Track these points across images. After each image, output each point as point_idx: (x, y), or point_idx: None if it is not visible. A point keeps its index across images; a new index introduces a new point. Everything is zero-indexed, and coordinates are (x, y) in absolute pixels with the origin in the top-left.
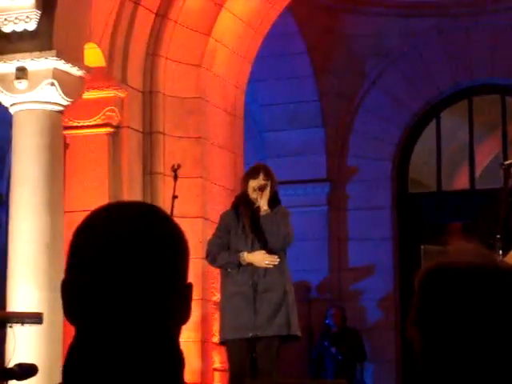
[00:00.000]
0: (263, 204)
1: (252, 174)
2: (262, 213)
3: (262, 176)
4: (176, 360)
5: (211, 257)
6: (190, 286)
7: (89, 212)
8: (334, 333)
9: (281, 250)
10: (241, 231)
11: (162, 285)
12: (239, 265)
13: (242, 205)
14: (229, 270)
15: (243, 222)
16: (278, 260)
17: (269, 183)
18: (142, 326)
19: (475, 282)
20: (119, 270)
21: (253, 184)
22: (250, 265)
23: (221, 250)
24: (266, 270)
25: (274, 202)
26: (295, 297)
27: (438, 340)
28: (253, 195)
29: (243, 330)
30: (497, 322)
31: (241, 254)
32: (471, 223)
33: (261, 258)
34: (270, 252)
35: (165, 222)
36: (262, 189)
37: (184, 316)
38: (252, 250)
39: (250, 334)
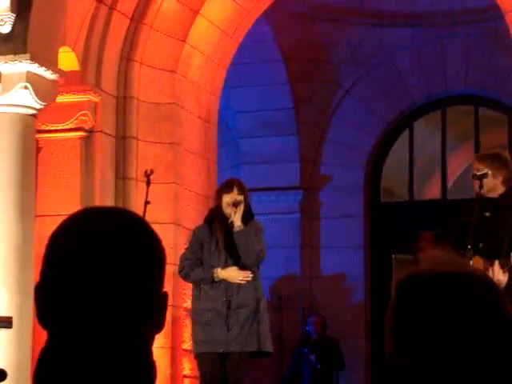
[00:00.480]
0: (237, 219)
1: (226, 188)
2: (236, 229)
3: (235, 191)
4: (148, 368)
5: (184, 272)
6: (165, 294)
7: (60, 216)
8: (314, 340)
9: (254, 265)
10: (214, 247)
11: (137, 292)
12: (213, 281)
13: (216, 220)
14: (202, 285)
15: (217, 238)
16: (252, 276)
17: (242, 198)
18: (114, 333)
19: (449, 289)
20: (93, 275)
21: (226, 199)
22: (224, 281)
23: (194, 266)
24: (239, 286)
25: (247, 216)
26: (267, 305)
27: (412, 349)
28: (226, 210)
29: (215, 344)
30: (474, 328)
31: (214, 270)
32: (441, 232)
33: (234, 275)
34: (243, 268)
35: (142, 229)
36: (236, 204)
37: (158, 324)
38: (225, 265)
39: (222, 350)
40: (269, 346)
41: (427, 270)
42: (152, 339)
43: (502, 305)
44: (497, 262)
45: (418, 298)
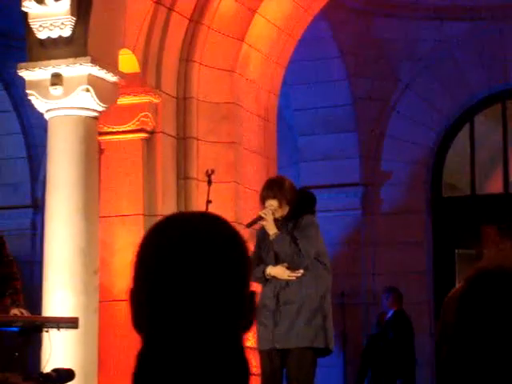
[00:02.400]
0: (268, 230)
1: (261, 196)
2: (271, 237)
3: (269, 198)
4: (242, 367)
5: None
6: (253, 293)
7: (123, 216)
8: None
9: (299, 266)
10: (267, 246)
11: (229, 293)
12: (266, 279)
13: None
14: (260, 283)
15: (269, 244)
16: (300, 273)
17: (275, 202)
18: (209, 335)
19: None
20: (187, 278)
21: (266, 204)
22: (275, 278)
23: (255, 266)
24: (286, 283)
25: (296, 211)
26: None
27: (480, 348)
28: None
29: (266, 341)
30: None
31: (265, 269)
32: (506, 226)
33: (281, 272)
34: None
35: (228, 230)
36: (260, 218)
37: (248, 323)
38: (276, 263)
39: (270, 346)
40: (320, 343)
41: (496, 267)
42: (242, 338)
43: None
44: None
45: (486, 295)
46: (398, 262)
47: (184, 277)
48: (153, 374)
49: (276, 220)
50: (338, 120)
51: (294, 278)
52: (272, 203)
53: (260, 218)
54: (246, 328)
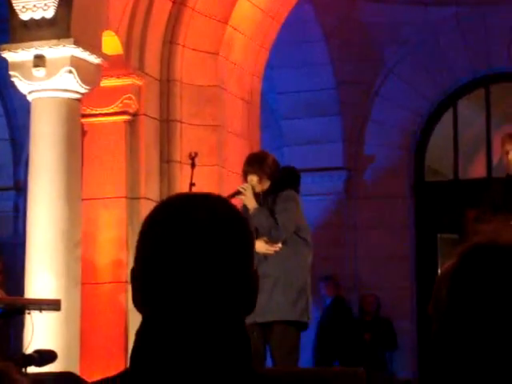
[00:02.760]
0: (247, 204)
1: (242, 171)
2: (250, 211)
3: (249, 174)
4: (244, 345)
5: None
6: (256, 271)
7: (106, 199)
8: (367, 320)
9: (276, 240)
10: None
11: (232, 272)
12: None
13: None
14: None
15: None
16: (279, 247)
17: (255, 176)
18: (211, 314)
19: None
20: (191, 258)
21: (248, 179)
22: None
23: None
24: (265, 256)
25: (276, 186)
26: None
27: (467, 320)
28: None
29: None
30: None
31: None
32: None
33: (260, 246)
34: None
35: (231, 210)
36: (238, 193)
37: (251, 302)
38: (256, 238)
39: (249, 321)
40: (296, 316)
41: (490, 242)
42: (244, 317)
43: None
44: None
45: (478, 270)
46: (380, 246)
47: (187, 256)
48: (151, 352)
49: (257, 195)
50: (322, 104)
51: (273, 252)
52: (252, 178)
53: (239, 193)
54: (250, 307)
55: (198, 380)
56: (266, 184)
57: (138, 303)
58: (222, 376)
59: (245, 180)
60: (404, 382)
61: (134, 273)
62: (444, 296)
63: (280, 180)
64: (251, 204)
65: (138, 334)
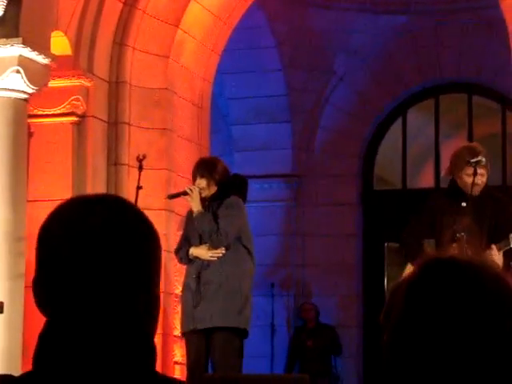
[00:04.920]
0: (193, 207)
1: (192, 175)
2: (194, 214)
3: (198, 177)
4: (145, 348)
5: (174, 252)
6: (158, 278)
7: (52, 201)
8: (310, 327)
9: (217, 245)
10: (193, 228)
11: (133, 277)
12: (189, 259)
13: None
14: (185, 264)
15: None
16: (221, 253)
17: (203, 180)
18: (112, 318)
19: (467, 276)
20: (90, 264)
21: (195, 183)
22: (197, 258)
23: (182, 246)
24: (208, 263)
25: (223, 192)
26: (255, 291)
27: (420, 334)
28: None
29: (188, 322)
30: (487, 318)
31: (189, 249)
32: (411, 221)
33: (203, 252)
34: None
35: (137, 216)
36: (184, 194)
37: (153, 307)
38: (200, 244)
39: (191, 327)
40: (239, 323)
41: (449, 257)
42: (154, 324)
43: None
44: (494, 246)
45: (434, 284)
46: (328, 253)
47: (84, 263)
48: (53, 356)
49: (203, 200)
50: (272, 110)
51: (215, 258)
52: (200, 182)
53: (185, 193)
54: (152, 311)
55: (97, 381)
56: (213, 189)
57: (41, 306)
58: (120, 377)
59: (193, 183)
60: None
61: (36, 278)
62: (399, 306)
63: (227, 186)
64: (196, 207)
65: (41, 335)
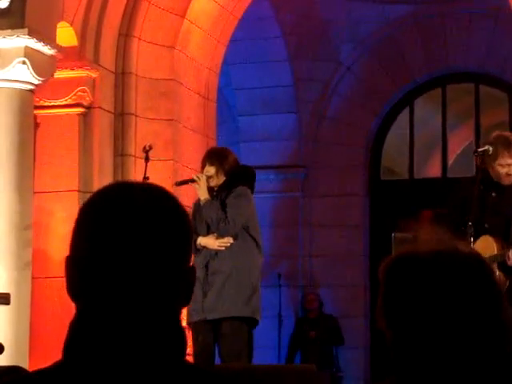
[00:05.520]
0: (200, 195)
1: (201, 164)
2: (201, 202)
3: (207, 164)
4: (178, 338)
5: None
6: (193, 267)
7: (59, 192)
8: (312, 318)
9: (224, 234)
10: (200, 217)
11: (166, 264)
12: (196, 249)
13: None
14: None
15: (200, 211)
16: (230, 243)
17: (212, 169)
18: (145, 307)
19: (436, 268)
20: (125, 247)
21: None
22: (205, 248)
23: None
24: (216, 252)
25: (231, 182)
26: (262, 282)
27: (404, 328)
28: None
29: (196, 313)
30: (459, 306)
31: (197, 238)
32: (441, 211)
33: (211, 242)
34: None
35: (171, 202)
36: (192, 181)
37: (186, 297)
38: (208, 234)
39: (199, 318)
40: (249, 313)
41: (415, 251)
42: (180, 311)
43: (491, 284)
44: None
45: (406, 279)
46: (335, 244)
47: (122, 246)
48: (84, 343)
49: (210, 189)
50: (279, 101)
51: (224, 247)
52: (208, 169)
53: (193, 180)
54: (185, 301)
55: (131, 371)
56: (222, 179)
57: (73, 293)
58: (153, 368)
59: (201, 172)
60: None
61: (70, 260)
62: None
63: (235, 176)
64: (203, 195)
65: (72, 324)
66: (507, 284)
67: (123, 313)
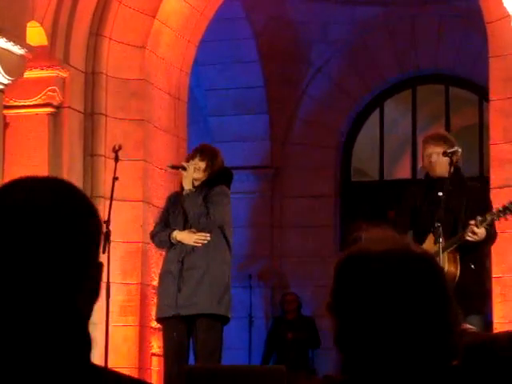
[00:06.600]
0: (184, 184)
1: (190, 155)
2: (185, 191)
3: (197, 157)
4: (83, 339)
5: (151, 235)
6: (100, 263)
7: None
8: (290, 319)
9: (204, 229)
10: (177, 210)
11: (64, 262)
12: (171, 243)
13: (181, 185)
14: (164, 248)
15: (180, 202)
16: (207, 239)
17: (202, 164)
18: (45, 304)
19: (384, 267)
20: (17, 245)
21: (193, 162)
22: (180, 243)
23: (160, 230)
24: (193, 248)
25: (216, 180)
26: (233, 282)
27: (350, 324)
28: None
29: (169, 308)
30: (405, 305)
31: (172, 233)
32: (394, 216)
33: (188, 237)
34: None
35: (74, 200)
36: (183, 168)
37: (91, 294)
38: (184, 228)
39: (172, 313)
40: (221, 311)
41: (365, 249)
42: (89, 310)
43: (439, 285)
44: (472, 222)
45: (355, 277)
46: (305, 245)
47: (15, 243)
48: None
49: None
50: (250, 102)
51: (200, 243)
52: (199, 164)
53: (183, 168)
54: (92, 298)
55: (20, 374)
56: (205, 176)
57: None
58: (50, 370)
59: (186, 162)
60: (324, 376)
61: None
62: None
63: (216, 176)
64: (188, 184)
65: None
66: (457, 278)
67: (24, 310)
